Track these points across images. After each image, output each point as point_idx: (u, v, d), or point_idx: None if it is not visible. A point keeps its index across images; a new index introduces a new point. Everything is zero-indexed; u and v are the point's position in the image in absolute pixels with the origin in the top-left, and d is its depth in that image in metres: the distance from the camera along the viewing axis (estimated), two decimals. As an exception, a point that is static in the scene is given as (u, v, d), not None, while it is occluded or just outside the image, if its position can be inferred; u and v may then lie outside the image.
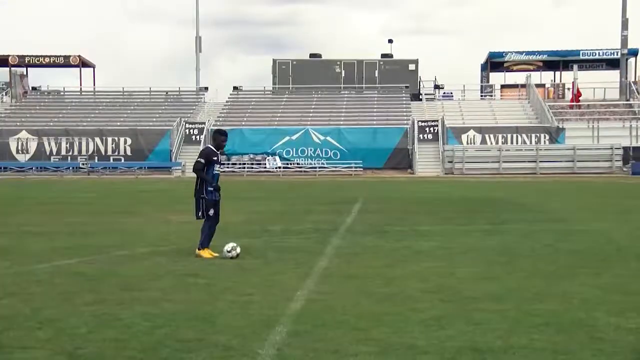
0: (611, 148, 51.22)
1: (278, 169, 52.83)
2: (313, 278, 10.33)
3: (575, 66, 63.17)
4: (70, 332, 7.18)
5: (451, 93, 65.37)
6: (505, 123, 56.16)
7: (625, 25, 60.59)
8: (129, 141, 55.08)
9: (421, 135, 54.21)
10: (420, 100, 62.50)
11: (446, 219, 19.24)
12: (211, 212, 12.11)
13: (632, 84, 62.63)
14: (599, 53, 65.73)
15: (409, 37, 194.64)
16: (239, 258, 11.90)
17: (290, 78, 64.91)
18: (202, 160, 12.11)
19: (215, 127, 13.69)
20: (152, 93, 65.82)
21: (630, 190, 33.52)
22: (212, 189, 12.07)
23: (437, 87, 65.65)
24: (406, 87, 62.55)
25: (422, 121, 55.33)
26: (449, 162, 51.81)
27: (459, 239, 14.90)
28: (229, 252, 11.85)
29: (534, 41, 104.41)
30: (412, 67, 64.83)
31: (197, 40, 67.08)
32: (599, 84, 64.26)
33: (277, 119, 58.35)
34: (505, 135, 54.01)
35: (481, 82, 68.68)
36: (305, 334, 7.14)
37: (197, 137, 55.45)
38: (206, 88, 66.17)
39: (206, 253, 12.11)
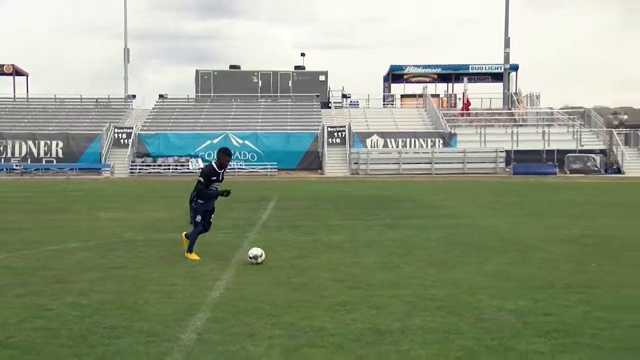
0: (496, 151, 52.36)
1: (200, 170, 52.25)
2: (231, 269, 10.27)
3: (465, 79, 64.55)
4: (2, 322, 6.96)
5: (357, 102, 65.80)
6: (404, 129, 56.86)
7: (507, 43, 62.17)
8: (60, 144, 53.61)
9: (330, 140, 54.44)
10: (330, 108, 62.77)
11: (352, 215, 19.37)
12: (198, 218, 11.37)
13: (513, 95, 64.26)
14: (485, 67, 67.23)
15: (319, 51, 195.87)
16: (166, 251, 11.72)
17: (211, 87, 64.34)
18: (202, 180, 11.35)
19: (222, 147, 12.38)
20: (83, 100, 64.20)
21: (511, 188, 34.37)
22: (201, 201, 11.33)
23: (344, 96, 66.01)
24: (317, 96, 62.74)
25: (331, 127, 55.56)
26: (355, 163, 52.16)
27: (363, 232, 15.02)
28: (252, 257, 10.66)
29: (430, 56, 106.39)
30: (322, 78, 65.07)
31: (125, 52, 65.92)
32: (485, 95, 65.82)
33: (200, 124, 57.74)
34: (404, 139, 54.66)
35: (384, 92, 69.35)
36: (223, 320, 7.08)
37: (126, 140, 54.39)
38: (134, 96, 64.97)
39: (193, 256, 11.25)
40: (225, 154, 11.58)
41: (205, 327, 6.78)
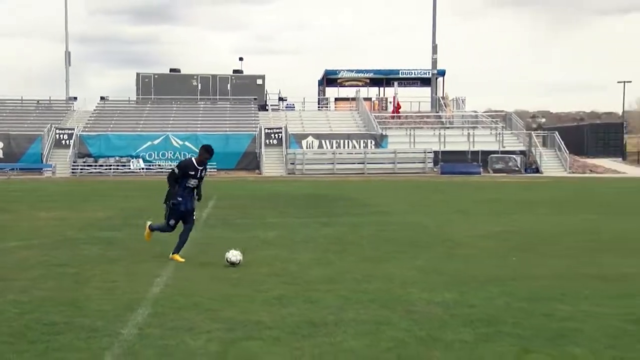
0: (424, 152, 52.92)
1: (142, 170, 51.54)
2: (171, 266, 10.15)
3: (395, 83, 65.15)
4: (-57, 321, 6.72)
5: (293, 104, 65.71)
6: (338, 130, 57.07)
7: (434, 50, 63.00)
8: (1, 145, 52.13)
9: (267, 141, 54.26)
10: (267, 110, 62.56)
11: (289, 213, 19.36)
12: (172, 222, 10.70)
13: (441, 99, 65.17)
14: (414, 72, 67.91)
15: (257, 56, 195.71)
16: (106, 249, 11.48)
17: (152, 90, 63.45)
18: (176, 171, 10.57)
19: (205, 143, 11.21)
20: (23, 101, 62.49)
21: (439, 187, 34.85)
22: (180, 199, 10.55)
23: (281, 99, 65.85)
24: (254, 99, 62.44)
25: (268, 128, 55.39)
26: (291, 163, 52.11)
27: (299, 229, 15.02)
28: (231, 260, 9.93)
29: (362, 61, 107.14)
30: (259, 81, 64.79)
31: (67, 55, 64.48)
32: (414, 98, 66.49)
33: (141, 125, 56.86)
34: (338, 140, 54.87)
35: (318, 95, 69.45)
36: (163, 315, 7.00)
37: (67, 141, 53.18)
38: (75, 98, 63.55)
39: (147, 233, 11.17)
40: (206, 151, 10.70)
41: (146, 322, 6.69)
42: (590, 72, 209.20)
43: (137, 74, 64.58)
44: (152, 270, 9.65)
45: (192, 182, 10.71)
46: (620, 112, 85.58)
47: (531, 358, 5.58)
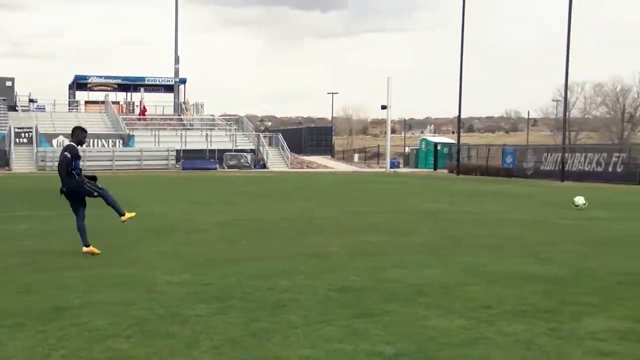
0: (168, 150, 52.26)
1: None
2: None
3: (142, 89, 63.37)
4: None
5: (44, 106, 61.11)
6: (88, 130, 53.58)
7: (177, 60, 62.37)
8: None
9: (17, 140, 49.94)
10: (17, 111, 57.55)
11: (39, 207, 17.98)
12: (100, 189, 9.67)
13: (182, 104, 64.64)
14: (159, 80, 66.52)
15: (7, 59, 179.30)
16: None
17: None
18: (69, 156, 9.36)
19: (77, 125, 9.37)
20: None
21: (180, 181, 34.57)
22: (85, 179, 9.59)
23: (31, 100, 60.93)
24: (4, 99, 57.10)
25: (18, 128, 50.97)
26: (42, 161, 48.43)
27: (50, 221, 14.09)
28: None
29: (112, 68, 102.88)
30: (9, 83, 59.39)
31: None
32: (159, 103, 65.20)
33: None
34: (89, 140, 52.03)
35: (69, 98, 65.33)
36: None
37: None
38: None
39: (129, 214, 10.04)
40: (82, 130, 9.97)
41: None
42: (307, 84, 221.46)
43: None
44: None
45: (80, 164, 9.74)
46: (330, 117, 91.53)
47: (255, 326, 5.72)
